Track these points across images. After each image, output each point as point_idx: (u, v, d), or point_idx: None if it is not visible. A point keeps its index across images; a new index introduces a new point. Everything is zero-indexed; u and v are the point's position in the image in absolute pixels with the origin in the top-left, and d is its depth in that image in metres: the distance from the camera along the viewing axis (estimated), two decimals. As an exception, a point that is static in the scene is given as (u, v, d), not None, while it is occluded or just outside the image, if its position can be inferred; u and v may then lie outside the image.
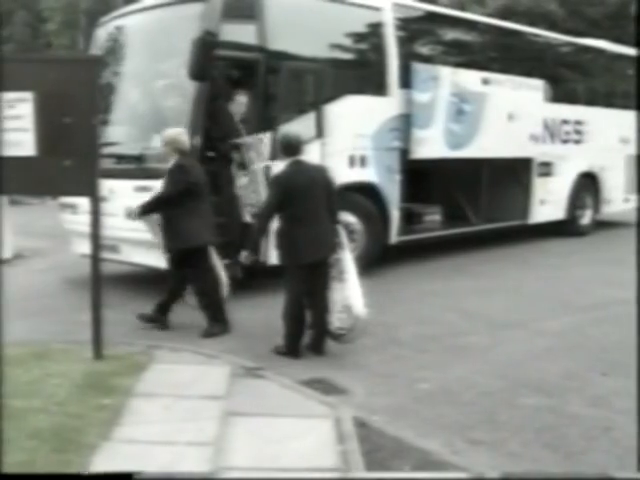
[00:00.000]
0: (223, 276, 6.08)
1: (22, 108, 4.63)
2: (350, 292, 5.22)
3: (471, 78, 9.50)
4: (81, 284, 6.78)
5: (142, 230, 6.10)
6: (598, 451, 3.73)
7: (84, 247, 6.30)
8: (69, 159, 4.69)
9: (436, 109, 8.98)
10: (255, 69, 7.25)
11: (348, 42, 8.33)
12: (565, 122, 11.30)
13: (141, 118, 7.57)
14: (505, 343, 5.75)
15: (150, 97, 7.67)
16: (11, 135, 4.55)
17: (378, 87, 8.50)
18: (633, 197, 12.73)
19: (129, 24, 8.00)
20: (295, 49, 7.63)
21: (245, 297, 6.92)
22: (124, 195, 6.68)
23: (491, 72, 9.85)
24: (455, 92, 9.21)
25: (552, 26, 18.33)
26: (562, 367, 5.09)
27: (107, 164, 6.36)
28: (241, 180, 6.98)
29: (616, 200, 12.67)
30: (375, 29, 8.54)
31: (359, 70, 8.59)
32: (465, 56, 10.05)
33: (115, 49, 8.01)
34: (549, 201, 11.11)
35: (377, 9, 8.52)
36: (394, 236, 8.76)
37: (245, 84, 7.42)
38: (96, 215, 4.87)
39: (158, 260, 6.35)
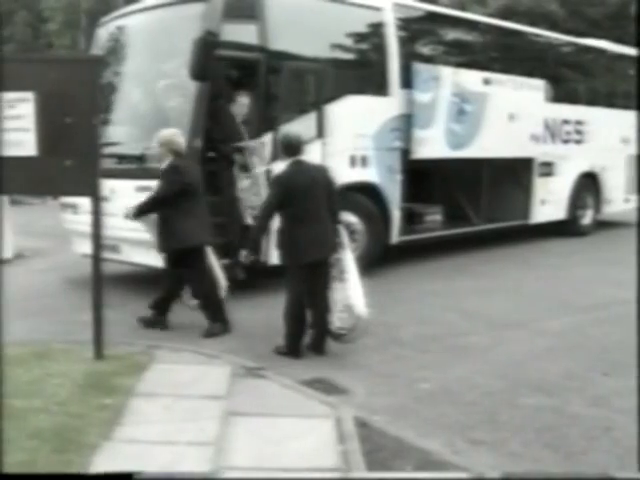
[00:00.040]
0: (221, 277, 6.07)
1: (23, 108, 4.63)
2: (351, 292, 5.22)
3: (472, 78, 9.50)
4: (82, 284, 6.79)
5: (143, 230, 6.11)
6: (599, 451, 3.73)
7: (85, 247, 6.31)
8: (70, 159, 4.69)
9: (437, 109, 8.98)
10: (256, 69, 7.25)
11: (349, 42, 8.33)
12: (566, 122, 11.30)
13: (142, 118, 7.57)
14: (506, 343, 5.75)
15: (151, 97, 7.67)
16: (12, 135, 4.54)
17: (379, 87, 8.50)
18: (634, 197, 12.73)
19: (130, 24, 8.01)
20: (296, 49, 7.63)
21: (246, 297, 6.92)
22: (125, 195, 6.67)
23: (492, 72, 9.84)
24: (456, 92, 9.20)
25: (553, 26, 18.33)
26: (563, 367, 5.09)
27: (108, 164, 6.37)
28: (243, 182, 6.99)
29: (617, 200, 12.68)
30: (376, 29, 8.54)
31: (360, 70, 8.60)
32: (466, 56, 10.05)
33: (116, 49, 8.02)
34: (550, 201, 11.11)
35: (378, 9, 8.52)
36: (395, 236, 8.76)
37: (246, 84, 7.43)
38: (97, 215, 4.87)
39: (158, 260, 6.35)
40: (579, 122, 11.54)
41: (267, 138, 7.08)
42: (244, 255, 5.44)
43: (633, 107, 11.85)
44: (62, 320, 6.25)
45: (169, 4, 7.46)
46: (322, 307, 5.30)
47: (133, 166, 7.09)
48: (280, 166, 5.72)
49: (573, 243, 11.18)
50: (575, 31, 16.75)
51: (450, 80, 9.14)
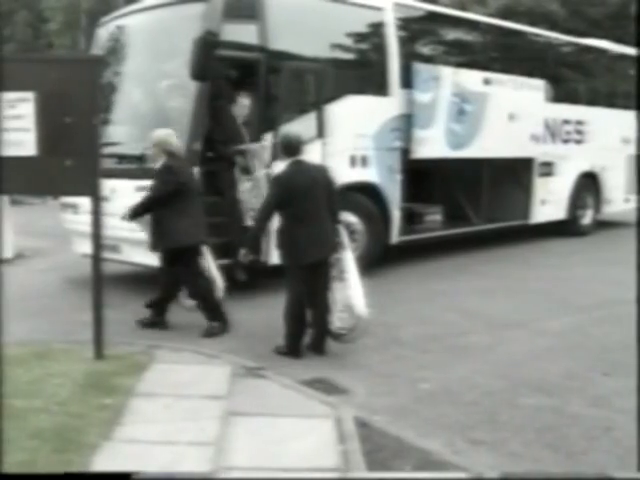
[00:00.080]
0: (219, 277, 6.07)
1: (23, 108, 4.63)
2: (352, 292, 5.22)
3: (472, 78, 9.50)
4: (82, 284, 6.79)
5: (142, 230, 6.11)
6: (599, 451, 3.73)
7: (85, 247, 6.31)
8: (70, 159, 4.69)
9: (437, 109, 8.98)
10: (256, 69, 7.25)
11: (349, 42, 8.33)
12: (566, 122, 11.30)
13: (142, 118, 7.57)
14: (506, 343, 5.75)
15: (151, 97, 7.67)
16: (12, 135, 4.55)
17: (379, 87, 8.50)
18: (633, 197, 12.73)
19: (130, 24, 8.01)
20: (296, 49, 7.63)
21: (246, 297, 6.92)
22: (125, 195, 6.67)
23: (492, 72, 9.84)
24: (456, 92, 9.20)
25: (553, 26, 18.32)
26: (563, 367, 5.09)
27: (108, 164, 6.36)
28: (244, 185, 6.99)
29: (617, 200, 12.68)
30: (376, 29, 8.54)
31: (360, 70, 8.60)
32: (466, 56, 10.05)
33: (116, 49, 8.02)
34: (550, 201, 11.11)
35: (378, 9, 8.52)
36: (395, 236, 8.76)
37: (246, 84, 7.43)
38: (97, 215, 4.87)
39: (158, 260, 6.35)
40: (579, 122, 11.54)
41: (268, 142, 7.06)
42: (243, 254, 5.45)
43: (633, 107, 11.86)
44: (62, 320, 6.26)
45: (169, 4, 7.47)
46: (322, 307, 5.30)
47: (133, 166, 7.09)
48: (280, 166, 5.71)
49: (573, 243, 11.18)
50: (575, 31, 16.75)
51: (450, 80, 9.13)
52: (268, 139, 7.09)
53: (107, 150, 6.58)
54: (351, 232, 7.28)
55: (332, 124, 7.75)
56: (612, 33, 18.68)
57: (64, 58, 6.90)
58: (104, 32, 8.40)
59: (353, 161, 8.15)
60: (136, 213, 5.83)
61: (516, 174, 10.72)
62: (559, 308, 6.88)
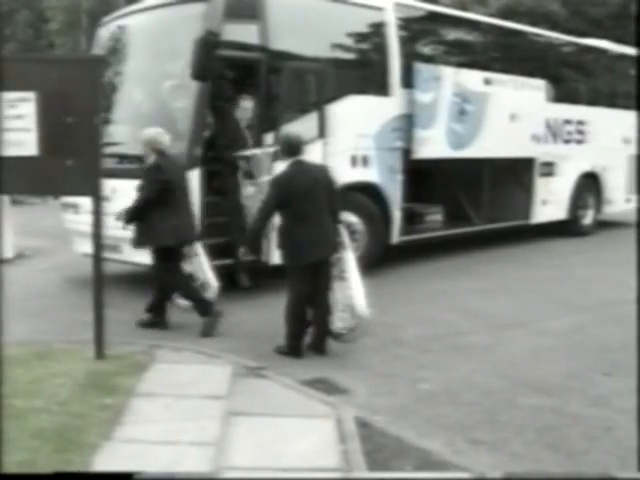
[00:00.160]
0: (212, 277, 6.06)
1: (24, 108, 4.63)
2: (353, 292, 5.23)
3: (473, 78, 9.49)
4: (83, 284, 6.79)
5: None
6: (599, 451, 3.73)
7: (86, 247, 6.30)
8: (71, 159, 4.69)
9: (438, 109, 8.97)
10: (257, 69, 7.25)
11: (350, 42, 8.33)
12: (567, 122, 11.29)
13: (143, 118, 7.56)
14: (507, 343, 5.75)
15: (152, 97, 7.67)
16: (13, 135, 4.55)
17: (380, 87, 8.49)
18: (634, 197, 12.73)
19: (131, 24, 8.01)
20: (297, 49, 7.63)
21: (247, 297, 6.92)
22: (126, 195, 6.66)
23: (493, 72, 9.83)
24: (457, 92, 9.20)
25: (554, 26, 18.31)
26: (564, 367, 5.09)
27: (109, 164, 6.37)
28: (247, 190, 6.99)
29: (618, 200, 12.67)
30: (377, 29, 8.54)
31: (361, 70, 8.60)
32: (467, 56, 10.05)
33: (117, 49, 8.02)
34: (551, 201, 11.11)
35: (379, 9, 8.52)
36: (396, 236, 8.76)
37: (247, 85, 7.43)
38: (98, 215, 4.87)
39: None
40: (580, 122, 11.53)
41: (271, 148, 7.04)
42: (242, 253, 5.46)
43: (634, 107, 11.85)
44: (63, 320, 6.26)
45: (170, 4, 7.47)
46: (323, 307, 5.30)
47: (134, 166, 7.09)
48: (280, 167, 5.71)
49: (574, 243, 11.18)
50: (576, 31, 16.74)
51: (451, 80, 9.13)
52: (271, 145, 7.07)
53: (108, 150, 6.59)
54: (352, 232, 7.28)
55: (333, 124, 7.75)
56: (613, 33, 18.67)
57: (65, 58, 6.92)
58: (105, 32, 8.40)
59: (354, 161, 8.15)
60: (132, 218, 5.86)
61: (517, 174, 10.72)
62: (560, 308, 6.88)
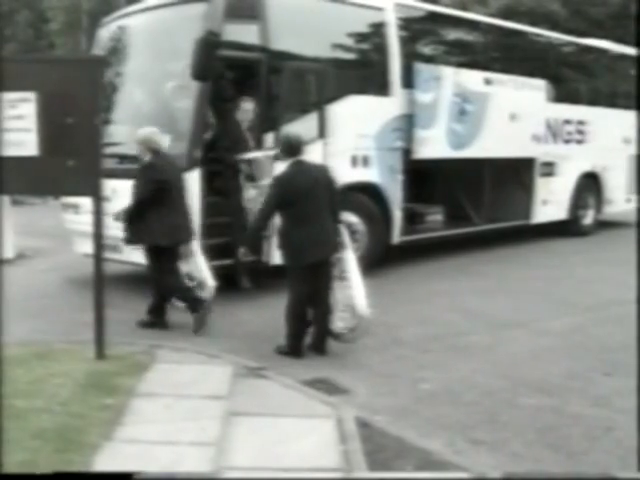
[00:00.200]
0: (209, 276, 6.06)
1: (25, 108, 4.63)
2: (353, 292, 5.23)
3: (473, 78, 9.50)
4: (83, 284, 6.79)
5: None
6: (600, 451, 3.74)
7: (86, 247, 6.30)
8: (72, 159, 4.69)
9: (438, 109, 8.97)
10: (257, 69, 7.25)
11: (350, 42, 8.33)
12: (567, 122, 11.30)
13: (143, 118, 7.56)
14: (507, 343, 5.75)
15: (152, 97, 7.68)
16: (14, 135, 4.55)
17: (381, 87, 8.50)
18: (635, 197, 12.73)
19: (131, 24, 8.01)
20: (298, 49, 7.64)
21: (247, 297, 6.93)
22: (126, 195, 6.67)
23: (493, 72, 9.84)
24: (457, 92, 9.20)
25: (554, 26, 18.31)
26: (564, 367, 5.09)
27: (110, 164, 6.37)
28: (249, 192, 6.99)
29: (618, 200, 12.67)
30: (377, 29, 8.54)
31: (362, 70, 8.60)
32: (467, 56, 10.05)
33: (117, 49, 8.02)
34: (551, 201, 11.11)
35: (379, 9, 8.52)
36: (396, 236, 8.76)
37: (247, 84, 7.43)
38: (98, 215, 4.87)
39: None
40: (580, 122, 11.53)
41: (272, 151, 7.03)
42: (242, 253, 5.46)
43: (634, 107, 11.85)
44: (63, 320, 6.26)
45: (170, 4, 7.47)
46: (324, 307, 5.30)
47: (134, 166, 7.08)
48: (281, 167, 5.71)
49: (574, 243, 11.18)
50: (576, 31, 16.74)
51: (451, 80, 9.13)
52: (272, 148, 7.06)
53: (108, 150, 6.59)
54: (352, 232, 7.27)
55: (333, 124, 7.76)
56: (613, 33, 18.67)
57: (65, 58, 6.91)
58: (105, 32, 8.41)
59: (354, 161, 8.15)
60: (130, 220, 5.86)
61: (517, 174, 10.71)
62: (560, 308, 6.88)
